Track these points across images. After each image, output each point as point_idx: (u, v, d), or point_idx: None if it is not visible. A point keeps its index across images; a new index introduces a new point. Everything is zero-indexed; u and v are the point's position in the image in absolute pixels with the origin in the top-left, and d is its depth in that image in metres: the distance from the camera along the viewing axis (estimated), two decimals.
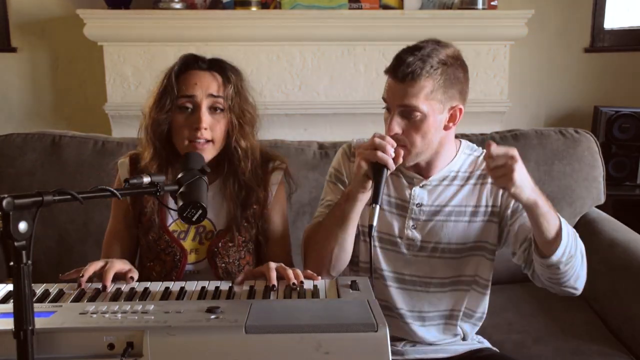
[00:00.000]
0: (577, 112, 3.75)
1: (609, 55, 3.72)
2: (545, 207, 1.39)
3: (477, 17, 3.33)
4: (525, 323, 1.96)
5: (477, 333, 1.72)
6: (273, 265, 1.38)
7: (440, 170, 1.59)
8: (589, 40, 3.71)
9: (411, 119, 1.47)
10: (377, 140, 1.43)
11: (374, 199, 1.41)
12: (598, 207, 2.31)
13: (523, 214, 1.51)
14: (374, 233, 1.44)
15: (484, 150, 1.66)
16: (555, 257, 1.40)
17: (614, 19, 3.72)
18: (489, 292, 1.65)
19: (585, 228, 2.21)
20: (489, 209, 1.59)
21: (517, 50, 3.49)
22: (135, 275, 1.42)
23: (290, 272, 1.36)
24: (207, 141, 1.55)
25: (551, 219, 1.40)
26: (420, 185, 1.59)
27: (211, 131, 1.55)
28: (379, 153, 1.41)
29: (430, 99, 1.46)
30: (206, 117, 1.53)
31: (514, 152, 1.34)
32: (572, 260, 1.44)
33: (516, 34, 3.36)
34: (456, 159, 1.62)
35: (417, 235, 1.60)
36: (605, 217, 2.25)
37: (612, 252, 2.04)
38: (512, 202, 1.56)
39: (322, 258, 1.52)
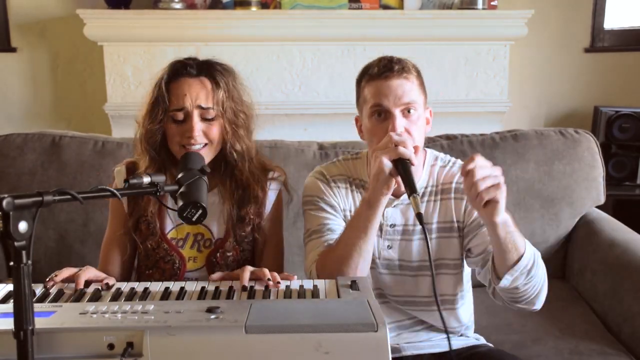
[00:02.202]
0: (577, 112, 3.75)
1: (609, 55, 3.72)
2: (512, 224, 1.37)
3: (477, 17, 3.33)
4: (524, 323, 1.96)
5: (475, 332, 1.73)
6: (250, 268, 1.40)
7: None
8: (589, 40, 3.71)
9: (410, 115, 1.51)
10: (396, 137, 1.44)
11: (412, 190, 1.37)
12: (598, 207, 2.31)
13: (482, 229, 1.51)
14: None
15: (451, 159, 1.67)
16: (511, 276, 1.39)
17: (614, 19, 3.72)
18: (464, 303, 1.64)
19: (585, 228, 2.21)
20: (454, 224, 1.59)
21: (517, 50, 3.49)
22: (112, 282, 1.42)
23: (266, 271, 1.38)
24: (204, 145, 1.55)
25: (517, 238, 1.38)
26: (393, 205, 1.59)
27: (205, 135, 1.54)
28: (401, 149, 1.41)
29: (420, 93, 1.54)
30: (197, 126, 1.53)
31: (498, 172, 1.32)
32: (533, 279, 1.43)
33: (516, 34, 3.36)
34: (423, 173, 1.63)
35: (393, 255, 1.60)
36: (605, 217, 2.25)
37: (612, 252, 2.04)
38: (473, 217, 1.55)
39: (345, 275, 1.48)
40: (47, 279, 1.39)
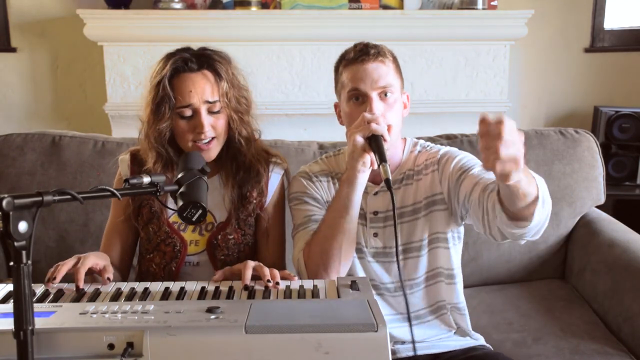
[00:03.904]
0: (577, 112, 3.75)
1: (609, 55, 3.72)
2: (526, 175, 1.26)
3: (477, 17, 3.33)
4: (525, 322, 1.96)
5: (477, 331, 1.72)
6: (251, 264, 1.40)
7: (391, 173, 1.60)
8: (589, 40, 3.71)
9: (386, 99, 1.54)
10: (368, 115, 1.47)
11: (381, 159, 1.41)
12: (598, 207, 2.31)
13: (463, 183, 1.51)
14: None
15: (430, 144, 1.69)
16: (533, 222, 1.30)
17: (614, 19, 3.72)
18: (457, 281, 1.65)
19: (585, 228, 2.21)
20: (436, 197, 1.61)
21: (517, 50, 3.49)
22: (111, 275, 1.42)
23: (266, 270, 1.37)
24: (212, 139, 1.57)
25: (531, 183, 1.26)
26: (374, 193, 1.62)
27: (213, 128, 1.56)
28: (374, 125, 1.44)
29: (396, 77, 1.57)
30: (206, 121, 1.55)
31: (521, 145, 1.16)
32: (546, 220, 1.35)
33: (516, 34, 3.36)
34: (404, 159, 1.66)
35: (379, 242, 1.62)
36: (605, 217, 2.25)
37: (612, 252, 2.04)
38: (447, 180, 1.57)
39: (330, 259, 1.49)
40: (47, 280, 1.38)
